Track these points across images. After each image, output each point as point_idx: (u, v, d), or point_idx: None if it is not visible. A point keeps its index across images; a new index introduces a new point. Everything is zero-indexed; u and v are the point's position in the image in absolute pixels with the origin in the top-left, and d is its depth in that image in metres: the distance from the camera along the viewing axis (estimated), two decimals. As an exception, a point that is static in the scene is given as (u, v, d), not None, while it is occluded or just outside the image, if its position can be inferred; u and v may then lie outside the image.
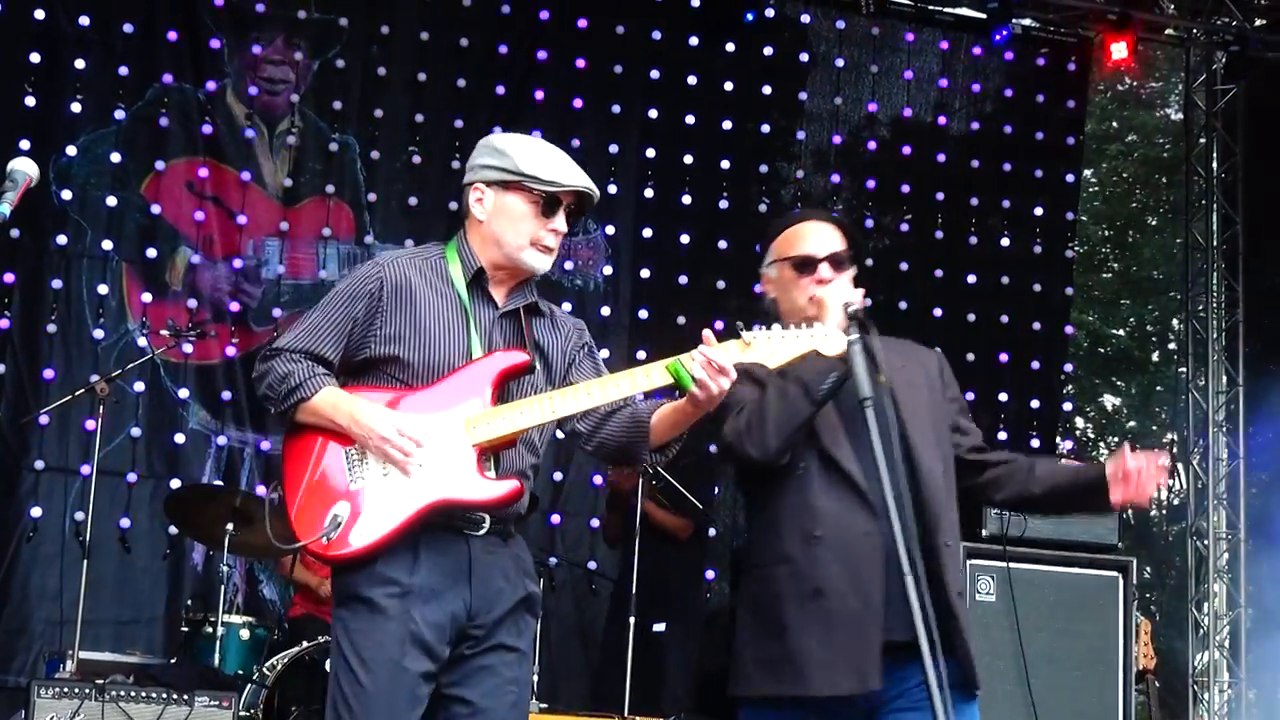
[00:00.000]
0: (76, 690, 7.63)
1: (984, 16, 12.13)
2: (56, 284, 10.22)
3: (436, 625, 4.38)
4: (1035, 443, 11.80)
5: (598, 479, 10.78)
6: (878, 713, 4.30)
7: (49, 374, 10.10)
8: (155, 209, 10.44)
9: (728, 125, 11.83)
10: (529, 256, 4.69)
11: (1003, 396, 11.96)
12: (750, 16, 11.81)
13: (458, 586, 4.44)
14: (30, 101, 10.30)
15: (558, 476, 10.99)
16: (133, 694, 7.67)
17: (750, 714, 4.49)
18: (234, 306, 10.46)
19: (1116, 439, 22.97)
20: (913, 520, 4.08)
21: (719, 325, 11.23)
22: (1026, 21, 12.65)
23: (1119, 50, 12.32)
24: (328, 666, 7.57)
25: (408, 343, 4.53)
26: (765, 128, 12.06)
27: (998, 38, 11.98)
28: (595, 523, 10.73)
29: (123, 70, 10.51)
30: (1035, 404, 11.97)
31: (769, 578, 4.36)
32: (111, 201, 10.36)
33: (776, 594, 4.32)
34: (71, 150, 10.31)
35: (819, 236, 4.53)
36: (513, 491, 4.48)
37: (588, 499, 10.88)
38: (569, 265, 11.22)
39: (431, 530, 4.42)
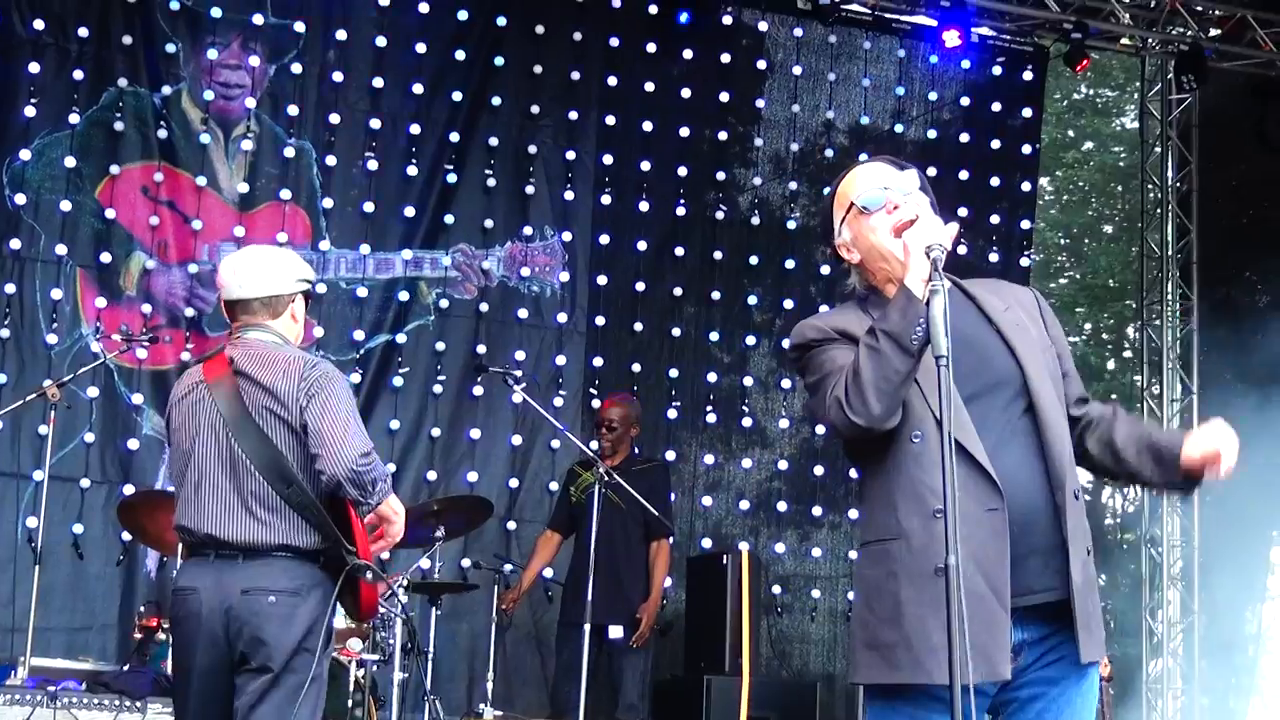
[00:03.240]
0: (28, 697, 7.59)
1: (935, 24, 12.19)
2: (9, 289, 10.15)
3: None
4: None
5: (553, 485, 10.76)
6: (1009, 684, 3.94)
7: (1, 379, 10.04)
8: (110, 213, 10.38)
9: (685, 132, 11.83)
10: None
11: (959, 403, 11.95)
12: (685, 19, 11.81)
13: None
14: (-16, 105, 10.25)
15: (513, 484, 10.98)
16: (85, 701, 7.65)
17: (881, 700, 4.00)
18: (189, 312, 10.41)
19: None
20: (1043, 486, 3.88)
21: (676, 332, 11.38)
22: (984, 31, 12.68)
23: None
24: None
25: None
26: (723, 135, 12.06)
27: (947, 40, 12.08)
28: (550, 530, 10.71)
29: (78, 74, 10.46)
30: (992, 411, 11.97)
31: (884, 554, 3.94)
32: (66, 206, 10.29)
33: (892, 572, 3.90)
34: (25, 154, 10.26)
35: (876, 172, 4.18)
36: None
37: (543, 506, 10.85)
38: (525, 271, 11.21)
39: None
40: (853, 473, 11.56)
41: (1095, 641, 3.94)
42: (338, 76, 11.05)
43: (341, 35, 11.08)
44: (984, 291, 4.19)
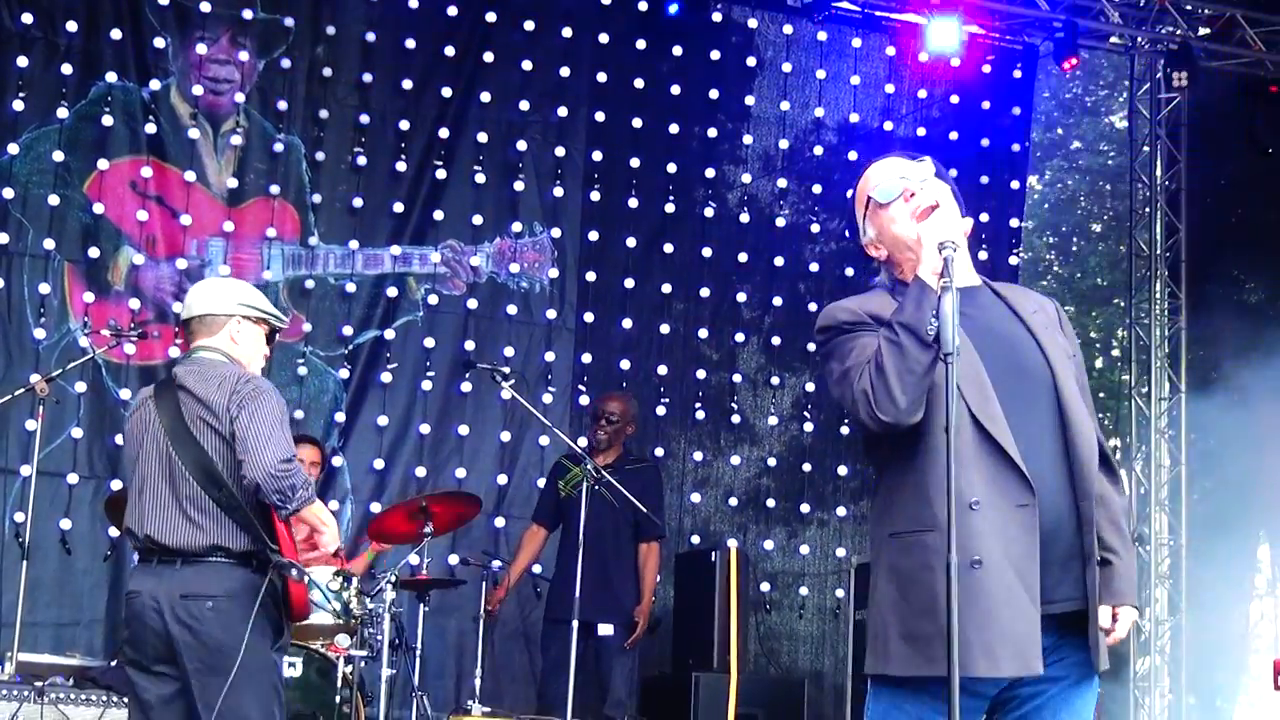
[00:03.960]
0: (15, 692, 7.58)
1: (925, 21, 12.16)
2: (-3, 283, 10.15)
3: None
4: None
5: (540, 482, 10.74)
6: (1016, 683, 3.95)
7: (-11, 373, 10.03)
8: (98, 208, 10.36)
9: (674, 129, 11.82)
10: None
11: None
12: (674, 9, 11.82)
13: None
14: (-28, 99, 10.23)
15: (502, 480, 10.98)
16: (72, 696, 7.64)
17: (888, 695, 4.01)
18: (177, 307, 10.35)
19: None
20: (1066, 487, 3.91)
21: (664, 329, 11.36)
22: (973, 28, 12.67)
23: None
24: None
25: None
26: (712, 132, 12.05)
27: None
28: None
29: (66, 68, 10.42)
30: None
31: (919, 546, 3.90)
32: (54, 200, 10.27)
33: (928, 564, 3.86)
34: (14, 148, 10.23)
35: (890, 165, 4.21)
36: None
37: (531, 503, 10.83)
38: (514, 268, 11.21)
39: None
40: (841, 470, 11.66)
41: (1103, 652, 3.97)
42: (327, 72, 11.03)
43: (331, 30, 11.05)
44: (1013, 293, 4.22)
